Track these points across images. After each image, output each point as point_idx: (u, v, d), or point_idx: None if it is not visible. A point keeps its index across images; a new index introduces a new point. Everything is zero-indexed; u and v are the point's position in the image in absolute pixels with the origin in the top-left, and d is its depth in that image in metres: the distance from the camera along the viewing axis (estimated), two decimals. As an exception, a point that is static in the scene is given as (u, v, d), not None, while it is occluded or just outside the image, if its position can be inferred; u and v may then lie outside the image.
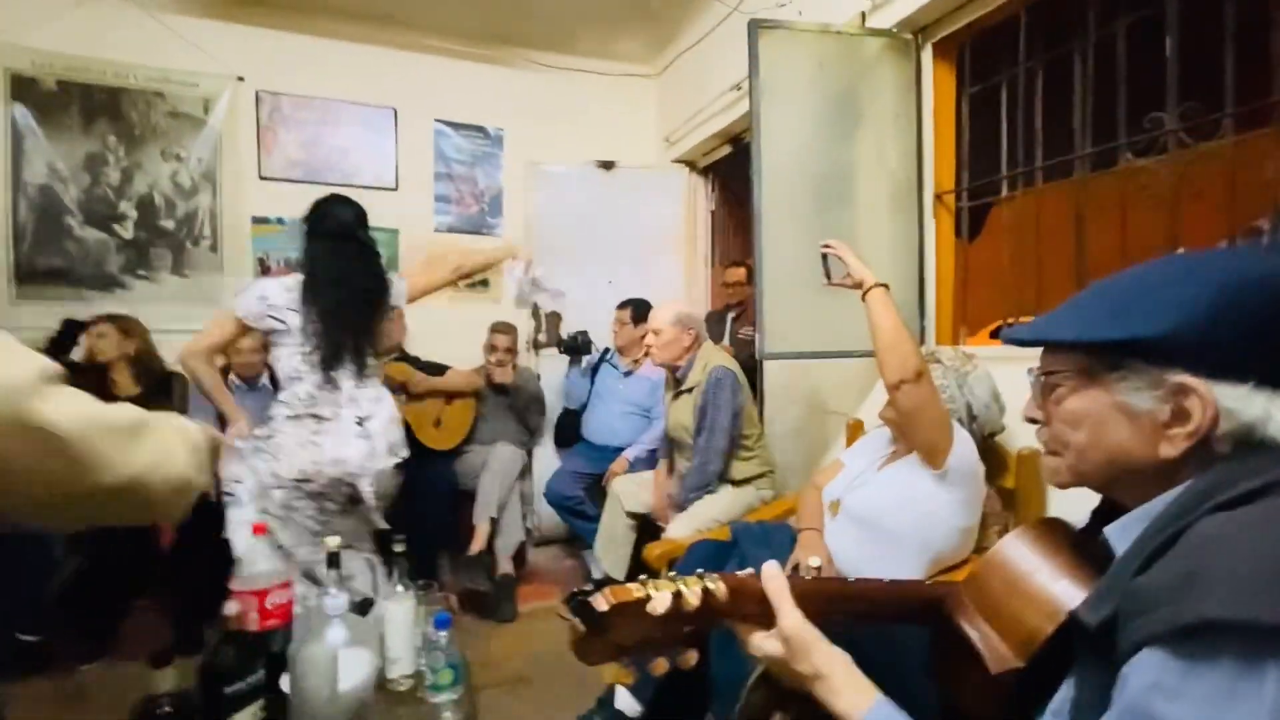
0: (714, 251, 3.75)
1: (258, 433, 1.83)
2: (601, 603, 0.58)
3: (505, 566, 2.72)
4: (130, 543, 2.31)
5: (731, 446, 2.17)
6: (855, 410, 2.18)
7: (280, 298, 1.81)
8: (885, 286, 1.38)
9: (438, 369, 3.02)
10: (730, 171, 3.61)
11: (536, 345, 3.52)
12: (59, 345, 2.51)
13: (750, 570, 0.70)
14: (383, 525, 1.87)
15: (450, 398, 2.95)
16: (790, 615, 0.66)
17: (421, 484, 2.74)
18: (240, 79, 3.04)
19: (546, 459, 3.36)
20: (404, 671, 1.31)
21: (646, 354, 2.99)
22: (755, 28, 1.93)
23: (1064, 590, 0.67)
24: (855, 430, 2.06)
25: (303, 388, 1.79)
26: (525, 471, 3.06)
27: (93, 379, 2.49)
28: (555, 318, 3.55)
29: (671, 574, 0.64)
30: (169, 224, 2.97)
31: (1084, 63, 1.73)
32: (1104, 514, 0.72)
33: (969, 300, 2.11)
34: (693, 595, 0.61)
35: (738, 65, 2.81)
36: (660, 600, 0.60)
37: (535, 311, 3.52)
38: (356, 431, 1.79)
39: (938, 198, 2.07)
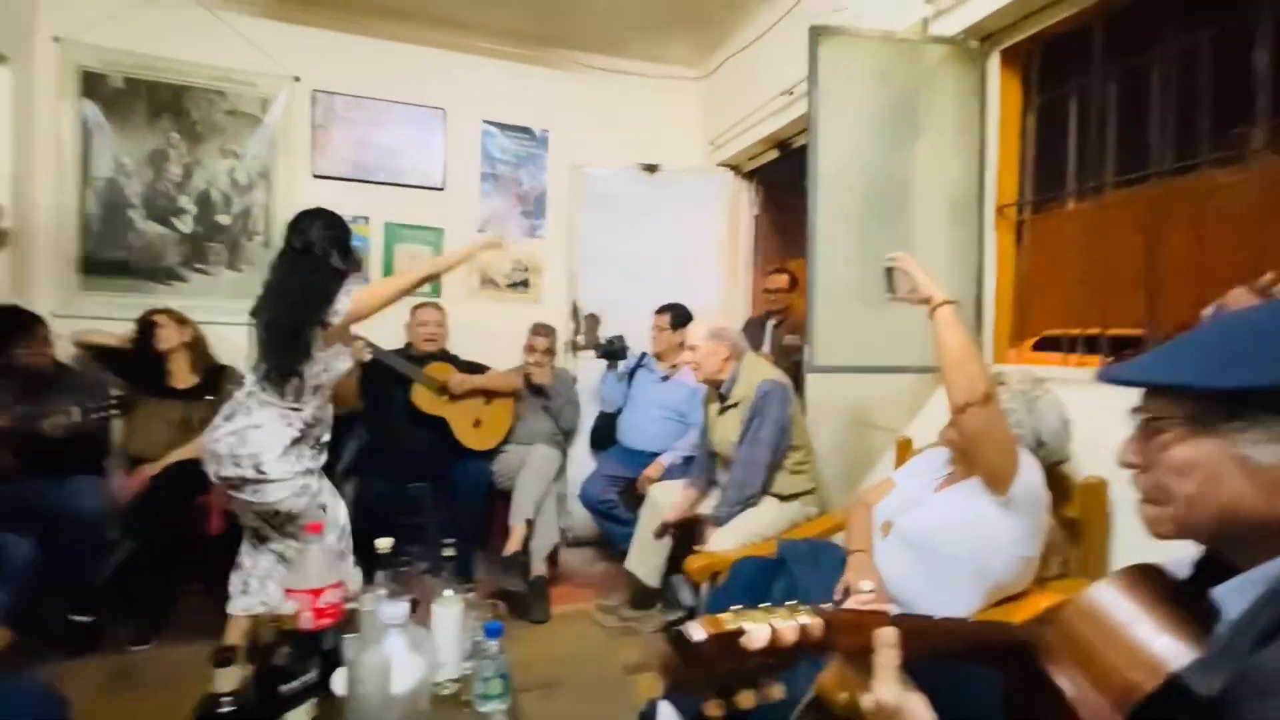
0: (756, 256, 3.71)
1: None
2: (697, 632, 0.57)
3: (540, 568, 2.73)
4: (179, 527, 2.38)
5: (774, 460, 2.14)
6: (903, 426, 2.13)
7: None
8: (954, 304, 1.34)
9: (478, 369, 3.04)
10: (774, 176, 3.57)
11: (575, 347, 3.53)
12: (141, 338, 2.60)
13: (873, 600, 0.68)
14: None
15: (490, 398, 2.97)
16: (889, 690, 0.64)
17: (458, 483, 2.77)
18: (297, 79, 3.11)
19: (581, 460, 3.37)
20: (449, 675, 1.31)
21: (678, 366, 3.00)
22: (816, 34, 1.89)
23: (1166, 647, 0.63)
24: (904, 447, 2.00)
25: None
26: (560, 473, 3.07)
27: (153, 369, 2.58)
28: (594, 320, 3.56)
29: (764, 605, 0.62)
30: (225, 219, 3.05)
31: (1163, 74, 1.66)
32: (1206, 567, 0.68)
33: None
34: (789, 631, 0.60)
35: (788, 69, 2.79)
36: (757, 634, 0.58)
37: (575, 313, 3.54)
38: (214, 423, 1.87)
39: (999, 211, 2.01)
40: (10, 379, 2.27)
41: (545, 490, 2.80)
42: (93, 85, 2.85)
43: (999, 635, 0.76)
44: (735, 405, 2.21)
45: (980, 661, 0.77)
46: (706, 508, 2.39)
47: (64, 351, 2.61)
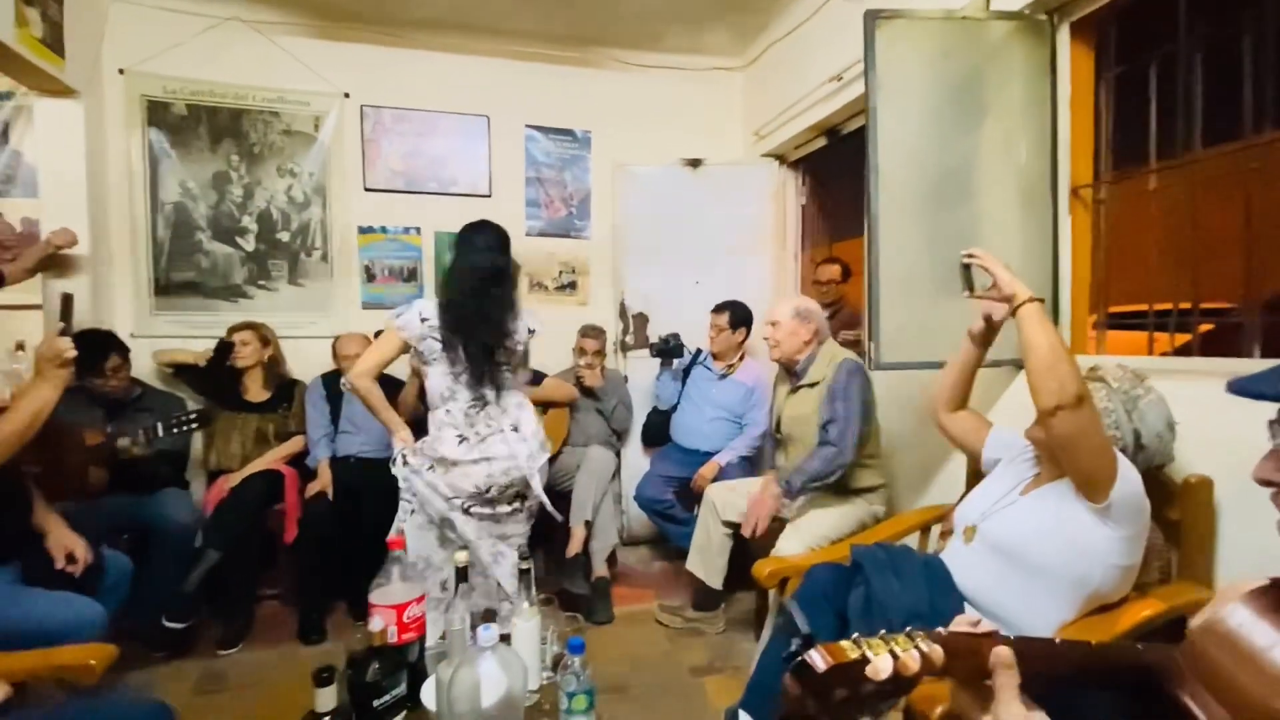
0: (803, 247, 3.63)
1: (425, 452, 1.96)
2: (820, 663, 0.56)
3: (600, 569, 2.75)
4: (258, 538, 2.48)
5: (862, 442, 2.09)
6: (975, 422, 2.04)
7: (434, 318, 1.94)
8: (1040, 301, 1.27)
9: (533, 375, 3.06)
10: (821, 164, 3.48)
11: (624, 347, 3.53)
12: (217, 362, 2.73)
13: (987, 627, 0.66)
14: (555, 514, 2.15)
15: (546, 408, 2.99)
16: (1012, 711, 0.61)
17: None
18: (346, 95, 3.17)
19: (633, 460, 3.37)
20: (530, 687, 1.33)
21: (734, 365, 2.95)
22: (872, 19, 1.81)
23: None
24: (978, 444, 1.92)
25: (458, 406, 1.94)
26: (615, 474, 3.07)
27: (227, 383, 2.70)
28: (642, 319, 3.55)
29: (882, 632, 0.60)
30: (285, 236, 3.14)
31: (1257, 36, 1.53)
32: None
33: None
34: (912, 660, 0.58)
35: (837, 53, 2.70)
36: (881, 665, 0.57)
37: (623, 313, 3.53)
38: (515, 437, 1.96)
39: (1074, 192, 1.90)
40: (97, 399, 2.40)
41: (603, 492, 2.81)
42: (157, 114, 2.97)
43: (1123, 658, 0.72)
44: (812, 385, 2.17)
45: (1102, 685, 0.73)
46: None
47: (143, 370, 2.75)
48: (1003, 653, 0.63)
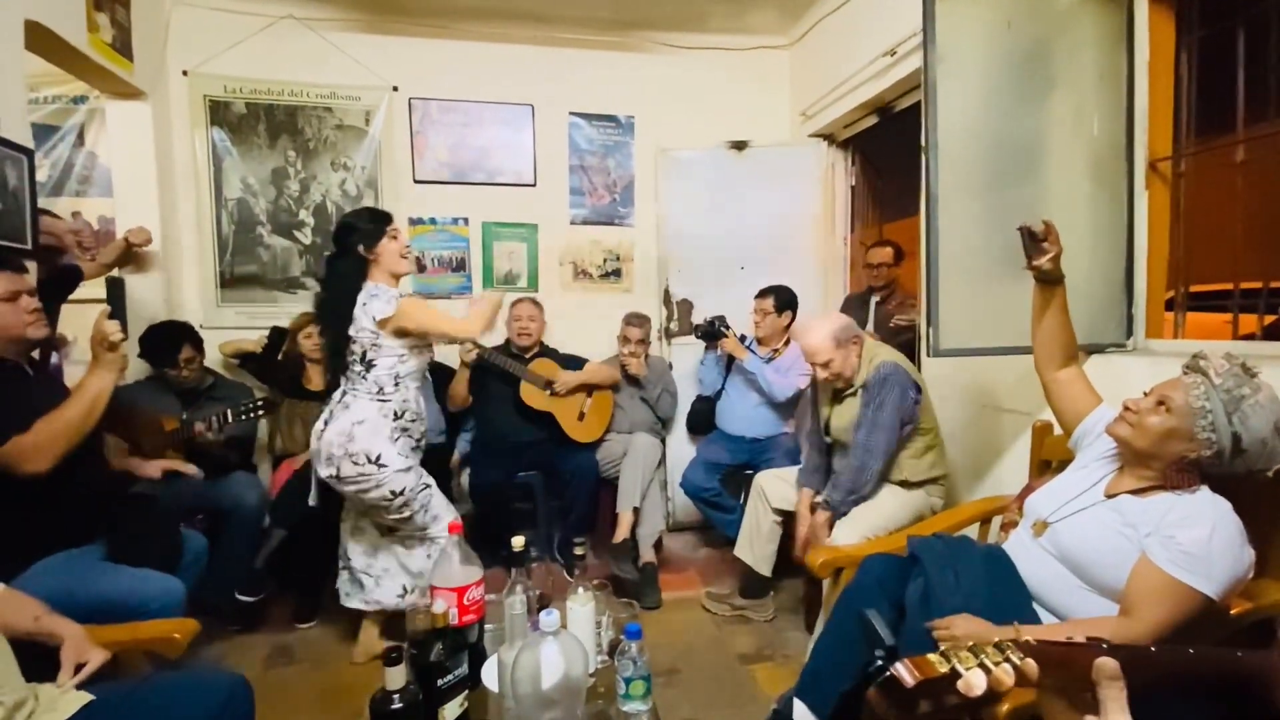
0: (852, 229, 3.54)
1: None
2: (908, 677, 0.55)
3: (647, 555, 2.77)
4: (321, 519, 2.58)
5: (892, 447, 2.03)
6: (1039, 409, 1.96)
7: None
8: None
9: (576, 361, 3.09)
10: (871, 143, 3.37)
11: (668, 334, 3.51)
12: (271, 348, 2.84)
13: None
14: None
15: (591, 391, 3.02)
16: None
17: (568, 474, 2.84)
18: (395, 89, 3.23)
19: (678, 447, 3.37)
20: (587, 670, 1.35)
21: (780, 350, 2.92)
22: (932, -11, 1.74)
23: None
24: (1042, 433, 1.85)
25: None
26: (661, 460, 3.08)
27: (291, 373, 2.80)
28: (686, 305, 3.53)
29: (970, 644, 0.59)
30: (339, 229, 3.23)
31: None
32: None
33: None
34: (1005, 676, 0.56)
35: (889, 28, 2.61)
36: (975, 681, 0.55)
37: (667, 299, 3.52)
38: (317, 430, 2.00)
39: (1151, 166, 1.79)
40: (172, 388, 2.53)
41: (649, 478, 2.82)
42: (218, 113, 3.09)
43: (1221, 665, 0.68)
44: (855, 391, 2.12)
45: (1199, 693, 0.70)
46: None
47: (211, 361, 2.88)
48: (1107, 665, 0.60)
